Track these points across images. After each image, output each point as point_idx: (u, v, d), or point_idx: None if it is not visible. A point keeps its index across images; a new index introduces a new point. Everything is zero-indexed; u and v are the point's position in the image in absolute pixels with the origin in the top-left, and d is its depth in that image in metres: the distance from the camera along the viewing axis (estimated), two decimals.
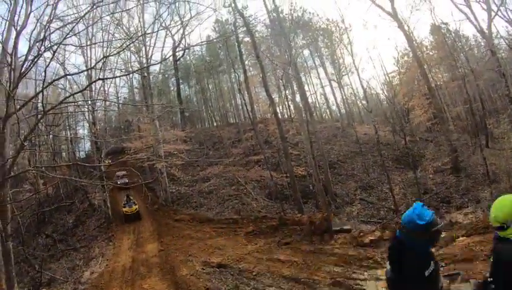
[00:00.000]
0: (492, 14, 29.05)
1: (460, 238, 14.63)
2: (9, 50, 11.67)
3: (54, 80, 12.49)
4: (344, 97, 53.20)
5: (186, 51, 51.47)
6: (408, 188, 27.82)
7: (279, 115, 36.82)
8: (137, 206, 29.53)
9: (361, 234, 18.48)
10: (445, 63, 39.36)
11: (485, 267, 9.22)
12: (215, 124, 56.89)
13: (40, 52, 10.42)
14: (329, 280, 13.18)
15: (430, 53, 40.89)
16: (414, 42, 36.40)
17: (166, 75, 53.35)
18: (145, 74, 35.09)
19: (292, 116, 40.47)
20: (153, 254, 20.39)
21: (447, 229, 18.03)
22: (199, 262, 17.25)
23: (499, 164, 23.92)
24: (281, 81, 38.94)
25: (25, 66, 11.26)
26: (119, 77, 44.49)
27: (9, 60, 10.85)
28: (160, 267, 17.82)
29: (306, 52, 52.39)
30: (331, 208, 26.03)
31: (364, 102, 44.19)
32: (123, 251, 22.36)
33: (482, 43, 36.97)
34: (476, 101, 33.26)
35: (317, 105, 57.62)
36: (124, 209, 29.41)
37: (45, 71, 10.83)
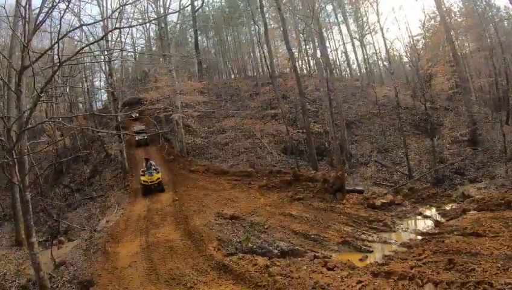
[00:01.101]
0: None
1: (472, 212, 14.61)
2: (23, 3, 11.52)
3: (70, 31, 12.36)
4: (365, 56, 52.16)
5: (205, 0, 50.56)
6: (424, 155, 27.62)
7: (298, 70, 36.28)
8: (159, 175, 24.27)
9: (374, 196, 18.56)
10: (473, 32, 37.89)
11: (494, 245, 9.24)
12: (232, 76, 56.56)
13: (55, 4, 10.24)
14: (339, 239, 13.35)
15: (459, 20, 39.44)
16: (443, 6, 35.05)
17: (184, 26, 52.74)
18: (163, 25, 34.61)
19: (311, 72, 39.86)
20: (167, 204, 20.77)
21: (458, 201, 17.99)
22: (212, 213, 17.55)
23: None
24: (302, 35, 38.10)
25: (39, 18, 11.10)
26: (136, 26, 44.07)
27: (23, 12, 10.71)
28: (174, 216, 18.17)
29: (329, 7, 50.95)
30: (345, 168, 26.01)
31: (386, 63, 43.15)
32: (138, 201, 22.86)
33: None
34: (501, 75, 32.23)
35: (338, 63, 56.63)
36: (142, 178, 24.06)
37: (60, 22, 10.65)
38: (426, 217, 16.02)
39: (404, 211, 16.78)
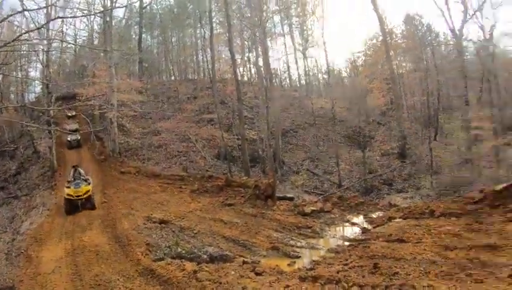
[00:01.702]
0: (468, 16, 30.29)
1: (397, 220, 15.29)
2: None
3: (10, 15, 11.72)
4: (306, 68, 53.36)
5: None
6: (354, 166, 28.92)
7: (239, 76, 36.63)
8: (90, 187, 19.98)
9: (304, 203, 19.00)
10: (411, 54, 40.05)
11: (417, 250, 9.86)
12: (173, 78, 55.86)
13: None
14: (268, 244, 13.58)
15: (399, 41, 41.64)
16: (386, 27, 37.06)
17: (129, 22, 51.55)
18: (108, 18, 33.59)
19: (252, 79, 40.34)
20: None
21: (385, 209, 18.90)
22: (141, 217, 17.27)
23: (443, 157, 25.33)
24: (246, 43, 38.51)
25: None
26: (80, 17, 42.38)
27: None
28: (101, 219, 17.66)
29: (277, 18, 51.67)
30: (278, 175, 26.52)
31: (325, 76, 44.71)
32: None
33: (451, 42, 37.81)
34: (433, 95, 34.34)
35: (279, 72, 57.49)
36: (66, 190, 19.65)
37: (1, 5, 10.21)
38: (354, 224, 16.45)
39: (333, 218, 17.23)
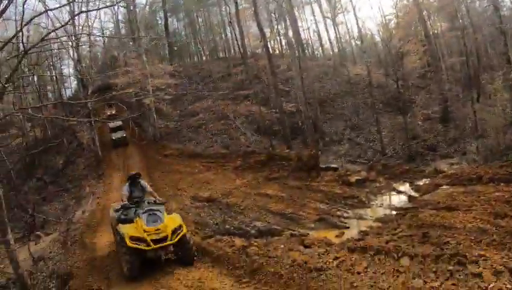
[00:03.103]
0: None
1: (444, 187, 14.89)
2: None
3: (34, 17, 11.63)
4: (338, 36, 51.87)
5: None
6: (396, 132, 27.93)
7: (270, 50, 36.13)
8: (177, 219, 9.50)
9: (348, 173, 18.80)
10: (445, 12, 38.10)
11: (467, 218, 9.46)
12: (204, 58, 55.84)
13: None
14: (315, 216, 13.50)
15: (431, 0, 39.66)
16: None
17: (153, 8, 51.58)
18: (132, 7, 33.73)
19: (283, 52, 39.71)
20: None
21: (431, 176, 18.29)
22: (188, 196, 17.58)
23: (487, 120, 23.51)
24: (273, 15, 37.80)
25: (1, 5, 10.55)
26: (103, 8, 42.66)
27: None
28: None
29: None
30: (319, 146, 26.20)
31: (358, 42, 43.44)
32: (113, 188, 22.24)
33: None
34: (472, 54, 32.58)
35: (310, 42, 56.23)
36: (128, 228, 8.77)
37: (23, 8, 10.13)
38: (400, 192, 16.25)
39: (378, 187, 17.07)
